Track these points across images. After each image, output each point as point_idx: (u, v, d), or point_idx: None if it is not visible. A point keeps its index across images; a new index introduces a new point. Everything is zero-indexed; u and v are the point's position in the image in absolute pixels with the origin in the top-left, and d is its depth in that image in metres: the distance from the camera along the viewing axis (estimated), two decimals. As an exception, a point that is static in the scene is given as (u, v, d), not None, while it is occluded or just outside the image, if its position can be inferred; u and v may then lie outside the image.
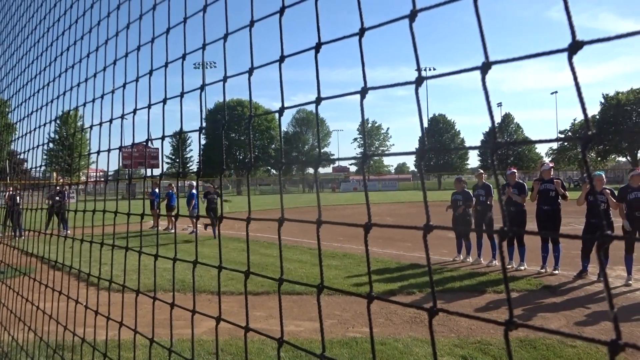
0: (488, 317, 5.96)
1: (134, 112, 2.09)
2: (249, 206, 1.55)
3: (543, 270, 9.25)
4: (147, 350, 2.04)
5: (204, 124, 1.71)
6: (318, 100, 1.16)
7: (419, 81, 0.94)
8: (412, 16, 0.97)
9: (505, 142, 0.91)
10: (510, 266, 9.73)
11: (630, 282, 8.20)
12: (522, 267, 9.54)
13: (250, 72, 1.40)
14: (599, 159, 69.67)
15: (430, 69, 75.16)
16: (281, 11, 1.32)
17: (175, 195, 18.45)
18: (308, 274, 9.33)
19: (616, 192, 8.61)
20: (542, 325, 6.19)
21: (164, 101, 1.86)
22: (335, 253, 11.70)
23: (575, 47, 0.77)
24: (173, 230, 15.67)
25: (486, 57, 0.86)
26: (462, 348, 5.38)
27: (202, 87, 1.64)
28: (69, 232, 13.28)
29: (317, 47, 1.20)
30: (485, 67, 0.87)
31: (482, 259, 10.39)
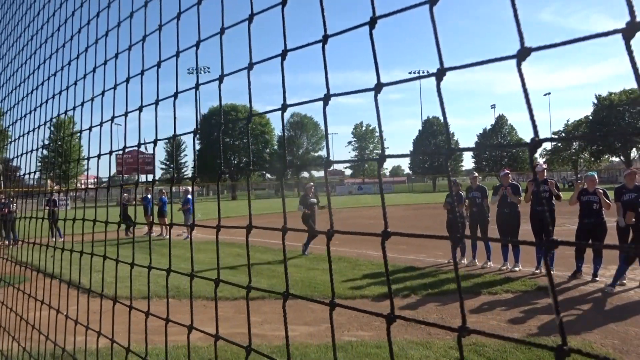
0: (483, 318, 5.97)
1: (125, 114, 2.08)
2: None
3: (538, 271, 9.28)
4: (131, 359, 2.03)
5: (198, 127, 1.70)
6: (326, 98, 1.15)
7: (439, 75, 0.93)
8: (433, 1, 0.97)
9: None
10: (505, 267, 9.75)
11: (624, 281, 8.23)
12: (517, 269, 9.56)
13: (249, 67, 1.39)
14: (592, 159, 70.03)
15: (423, 72, 75.30)
16: (283, 2, 1.30)
17: (167, 201, 18.38)
18: (303, 278, 9.31)
19: (608, 193, 8.65)
20: (536, 325, 6.21)
21: (156, 102, 1.85)
22: (322, 255, 11.66)
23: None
24: (167, 237, 15.60)
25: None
26: (456, 350, 5.37)
27: (196, 87, 1.63)
28: (61, 239, 13.21)
29: (325, 40, 1.19)
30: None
31: (476, 261, 10.40)
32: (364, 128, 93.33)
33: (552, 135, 70.81)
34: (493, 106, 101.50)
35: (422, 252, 11.35)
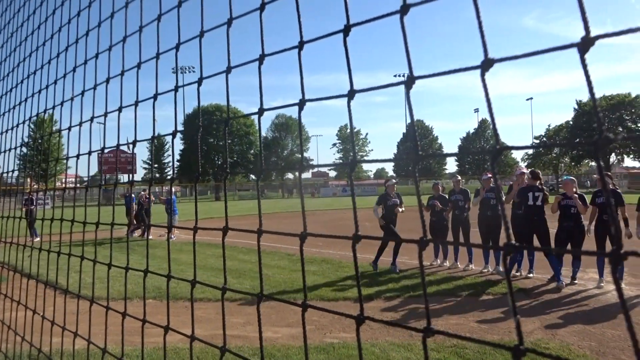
0: (464, 320, 6.02)
1: (105, 115, 2.06)
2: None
3: (518, 274, 9.39)
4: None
5: (177, 129, 1.69)
6: (301, 103, 1.16)
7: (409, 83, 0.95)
8: (403, 11, 0.97)
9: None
10: (486, 270, 9.86)
11: (602, 284, 8.37)
12: (499, 270, 9.66)
13: (228, 70, 1.39)
14: (572, 163, 71.06)
15: (404, 75, 75.58)
16: (262, 7, 1.31)
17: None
18: (286, 279, 9.30)
19: (586, 197, 8.80)
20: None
21: (136, 104, 1.84)
22: (313, 258, 11.69)
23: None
24: (149, 238, 15.44)
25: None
26: (438, 352, 5.42)
27: (175, 89, 1.63)
28: (37, 239, 13.01)
29: (301, 46, 1.19)
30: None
31: (458, 263, 10.49)
32: (348, 130, 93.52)
33: (534, 140, 71.65)
34: (476, 110, 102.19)
35: (406, 255, 11.40)
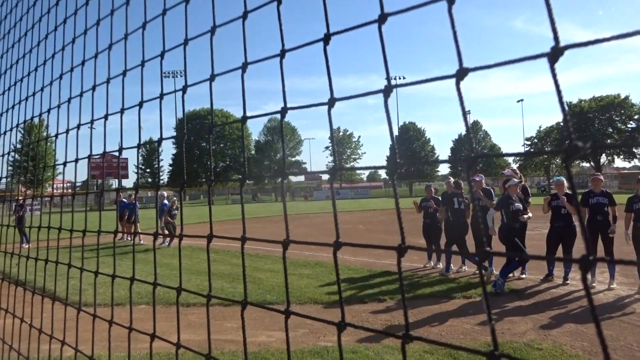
0: (457, 322, 6.03)
1: (91, 122, 2.06)
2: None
3: (511, 275, 9.42)
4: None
5: (162, 136, 1.69)
6: (283, 111, 1.17)
7: (387, 91, 0.96)
8: (381, 20, 0.99)
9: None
10: (478, 271, 9.88)
11: (594, 284, 8.43)
12: (492, 272, 9.70)
13: (212, 78, 1.40)
14: (564, 164, 71.48)
15: (400, 78, 76.12)
16: (244, 16, 1.31)
17: (137, 207, 18.10)
18: (280, 283, 9.29)
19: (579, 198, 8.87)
20: (509, 329, 6.31)
21: (122, 111, 1.84)
22: (307, 262, 11.69)
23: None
24: (140, 242, 15.30)
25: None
26: (432, 354, 5.43)
27: (160, 97, 1.63)
28: (27, 245, 12.91)
29: (282, 54, 1.21)
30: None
31: (452, 265, 10.52)
32: (341, 133, 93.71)
33: (525, 141, 72.03)
34: (469, 112, 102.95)
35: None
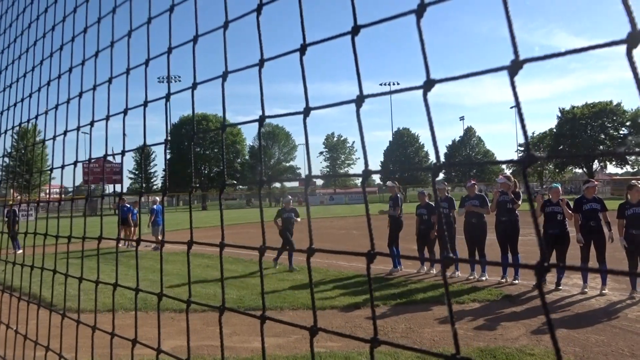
0: (450, 327, 6.08)
1: (77, 128, 2.06)
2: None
3: (503, 280, 9.46)
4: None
5: (145, 143, 1.70)
6: (261, 120, 1.18)
7: (359, 101, 0.98)
8: (354, 32, 1.00)
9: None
10: (472, 277, 9.92)
11: (586, 290, 8.47)
12: (484, 278, 9.73)
13: (193, 86, 1.41)
14: (557, 170, 71.92)
15: (394, 84, 76.47)
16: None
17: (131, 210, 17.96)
18: (273, 289, 9.28)
19: (571, 204, 8.93)
20: (501, 334, 6.32)
21: (107, 118, 1.84)
22: (300, 267, 11.69)
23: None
24: (132, 247, 15.17)
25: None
26: (423, 359, 5.44)
27: (145, 104, 1.63)
28: (19, 251, 12.84)
29: (261, 64, 1.22)
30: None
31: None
32: (335, 139, 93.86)
33: (518, 147, 72.24)
34: (462, 118, 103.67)
35: (392, 263, 11.42)
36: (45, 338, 2.34)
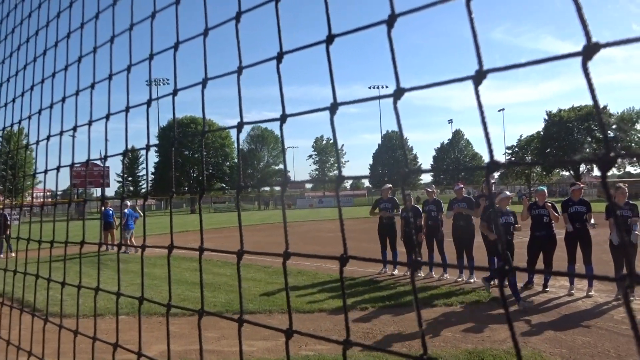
0: (439, 330, 6.05)
1: (60, 133, 2.05)
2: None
3: (491, 283, 9.51)
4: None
5: (127, 149, 1.69)
6: (239, 126, 1.19)
7: (333, 108, 0.99)
8: (329, 40, 1.02)
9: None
10: (460, 279, 9.97)
11: (572, 291, 8.55)
12: (472, 280, 9.78)
13: (174, 93, 1.41)
14: (544, 173, 72.50)
15: (383, 87, 76.72)
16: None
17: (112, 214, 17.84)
18: (264, 291, 9.25)
19: (557, 206, 9.02)
20: (489, 336, 6.36)
21: (91, 123, 1.84)
22: (289, 270, 11.50)
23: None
24: (113, 250, 15.06)
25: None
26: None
27: (127, 110, 1.63)
28: (12, 254, 12.69)
29: (240, 70, 1.23)
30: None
31: (433, 273, 10.59)
32: (324, 142, 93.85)
33: (506, 150, 72.73)
34: (450, 121, 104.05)
35: (380, 265, 11.45)
36: (30, 343, 2.32)
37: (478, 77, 0.78)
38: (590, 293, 8.42)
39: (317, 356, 5.76)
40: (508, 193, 9.31)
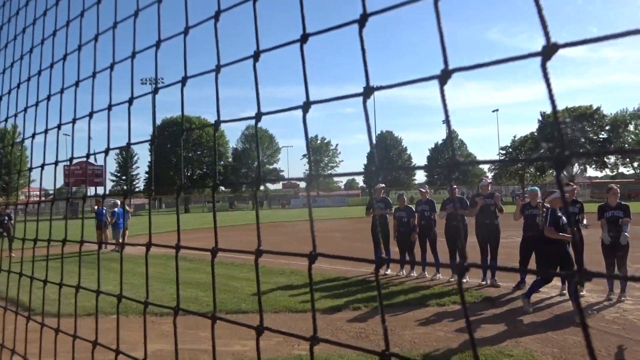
0: (431, 329, 6.07)
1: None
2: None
3: (484, 283, 9.55)
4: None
5: (109, 146, 1.68)
6: (216, 124, 1.19)
7: (306, 107, 0.99)
8: (303, 40, 1.02)
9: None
10: (453, 279, 9.99)
11: (564, 291, 8.58)
12: (464, 280, 9.81)
13: (155, 91, 1.41)
14: (537, 173, 72.80)
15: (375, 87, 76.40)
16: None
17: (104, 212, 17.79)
18: (255, 291, 9.22)
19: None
20: (481, 336, 6.38)
21: (73, 121, 1.83)
22: (283, 270, 11.66)
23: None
24: (107, 250, 14.97)
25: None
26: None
27: (109, 107, 1.62)
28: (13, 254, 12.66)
29: (217, 69, 1.23)
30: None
31: (426, 273, 10.61)
32: (319, 141, 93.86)
33: (500, 150, 72.94)
34: (444, 121, 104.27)
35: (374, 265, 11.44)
36: (19, 342, 2.31)
37: (444, 77, 0.80)
38: (581, 293, 8.46)
39: (309, 355, 5.76)
40: (558, 192, 9.30)
